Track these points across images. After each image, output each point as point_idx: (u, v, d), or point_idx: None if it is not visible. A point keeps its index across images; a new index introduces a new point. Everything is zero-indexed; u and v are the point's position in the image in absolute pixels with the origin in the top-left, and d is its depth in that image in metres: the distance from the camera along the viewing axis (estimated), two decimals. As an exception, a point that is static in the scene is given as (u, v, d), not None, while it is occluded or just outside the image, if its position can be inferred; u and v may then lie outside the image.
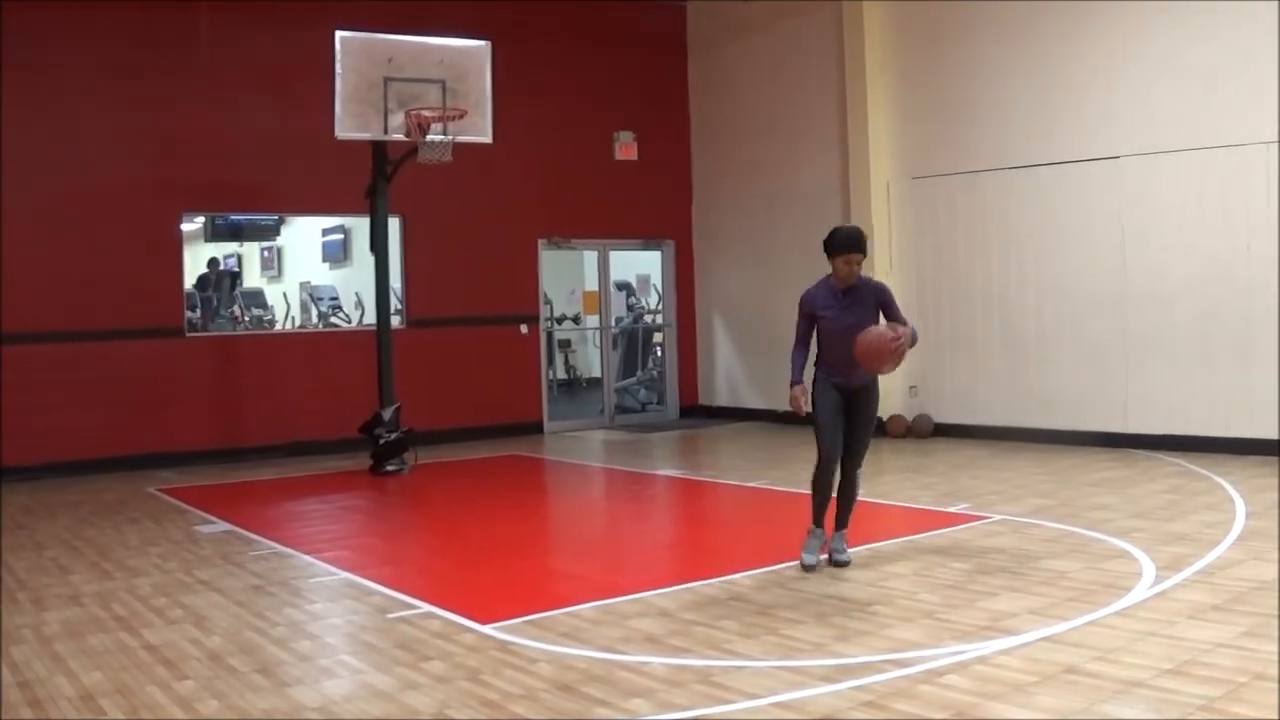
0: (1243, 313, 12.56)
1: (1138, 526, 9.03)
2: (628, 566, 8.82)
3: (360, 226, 16.58)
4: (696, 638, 6.43)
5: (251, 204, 16.38)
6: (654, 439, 16.73)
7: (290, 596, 7.74)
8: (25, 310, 14.01)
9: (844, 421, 7.92)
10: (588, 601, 7.24)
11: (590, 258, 20.15)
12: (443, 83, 13.16)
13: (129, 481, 13.56)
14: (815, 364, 8.00)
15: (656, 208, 18.90)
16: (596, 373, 21.04)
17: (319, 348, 16.24)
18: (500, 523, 10.47)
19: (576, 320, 23.15)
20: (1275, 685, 5.28)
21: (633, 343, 20.04)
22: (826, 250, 7.82)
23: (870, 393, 8.01)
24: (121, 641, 6.72)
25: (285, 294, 20.08)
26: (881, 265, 15.82)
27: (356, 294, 19.26)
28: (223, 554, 9.20)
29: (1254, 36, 12.41)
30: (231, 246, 22.65)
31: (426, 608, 7.24)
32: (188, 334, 15.22)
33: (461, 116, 13.21)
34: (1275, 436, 12.31)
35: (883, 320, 7.84)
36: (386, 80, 12.92)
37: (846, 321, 7.77)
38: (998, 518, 9.65)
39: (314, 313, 18.94)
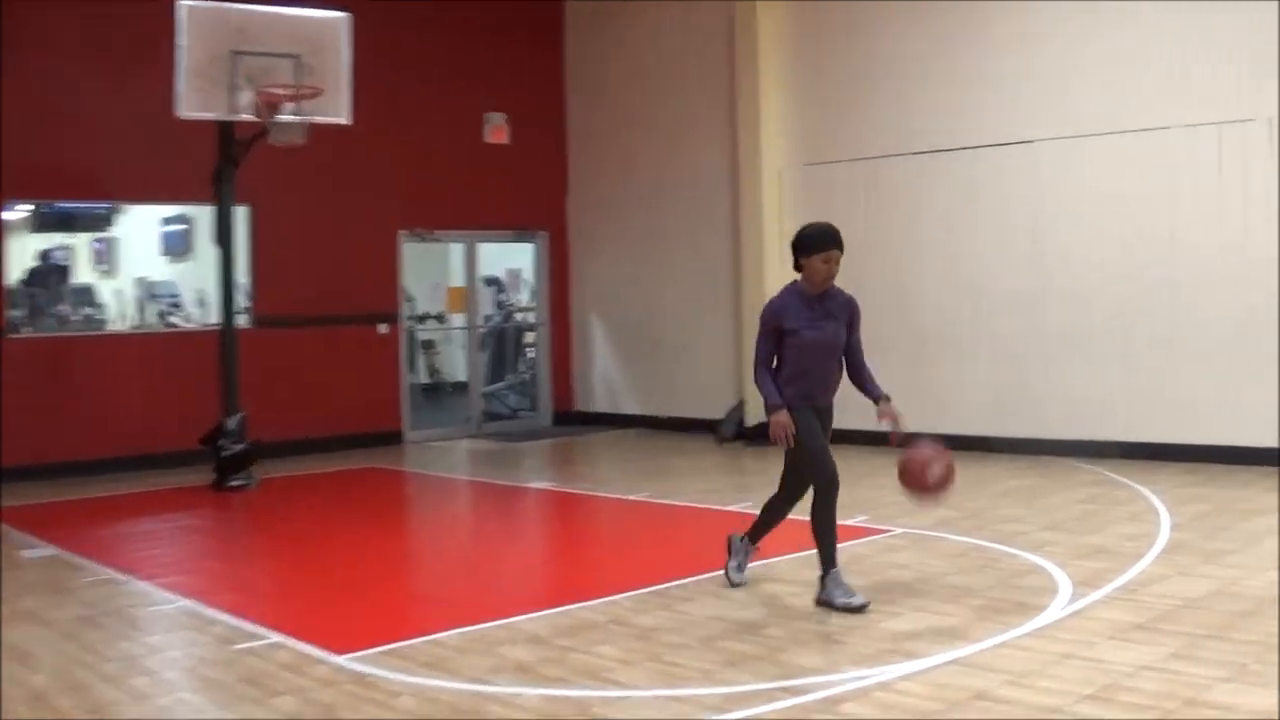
0: (1166, 308, 12.74)
1: (1052, 539, 9.08)
2: (497, 589, 8.69)
3: (204, 216, 16.24)
4: (573, 666, 6.34)
5: (83, 191, 15.97)
6: (525, 448, 16.63)
7: (124, 628, 7.53)
8: None
9: None
10: (453, 628, 7.13)
11: (456, 251, 19.94)
12: (297, 57, 12.91)
13: (-62, 499, 13.13)
14: (784, 381, 7.53)
15: (529, 197, 18.78)
16: (463, 376, 20.81)
17: (157, 350, 15.89)
18: (357, 543, 10.33)
19: (441, 319, 22.92)
20: (1206, 712, 5.28)
21: (502, 344, 19.87)
22: (798, 251, 7.46)
23: (831, 410, 7.77)
24: (-78, 680, 6.44)
25: (120, 290, 19.63)
26: (772, 260, 15.84)
27: (199, 291, 18.90)
28: (49, 581, 8.92)
29: (1175, 19, 12.61)
30: (62, 238, 22.10)
31: (275, 637, 7.10)
32: (10, 334, 14.79)
33: (317, 95, 13.00)
34: (1202, 442, 12.50)
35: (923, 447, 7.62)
36: (235, 54, 12.64)
37: (823, 335, 7.48)
38: (899, 531, 9.66)
39: (151, 311, 18.53)
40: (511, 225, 18.79)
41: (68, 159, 15.04)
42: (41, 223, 20.55)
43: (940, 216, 14.53)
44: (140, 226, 20.83)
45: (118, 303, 19.06)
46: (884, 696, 5.64)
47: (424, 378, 23.32)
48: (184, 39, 12.49)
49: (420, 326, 22.04)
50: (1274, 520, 9.46)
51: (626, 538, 10.58)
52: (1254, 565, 8.03)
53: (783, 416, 7.33)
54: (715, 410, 16.66)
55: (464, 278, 19.15)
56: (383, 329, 17.34)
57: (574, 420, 19.06)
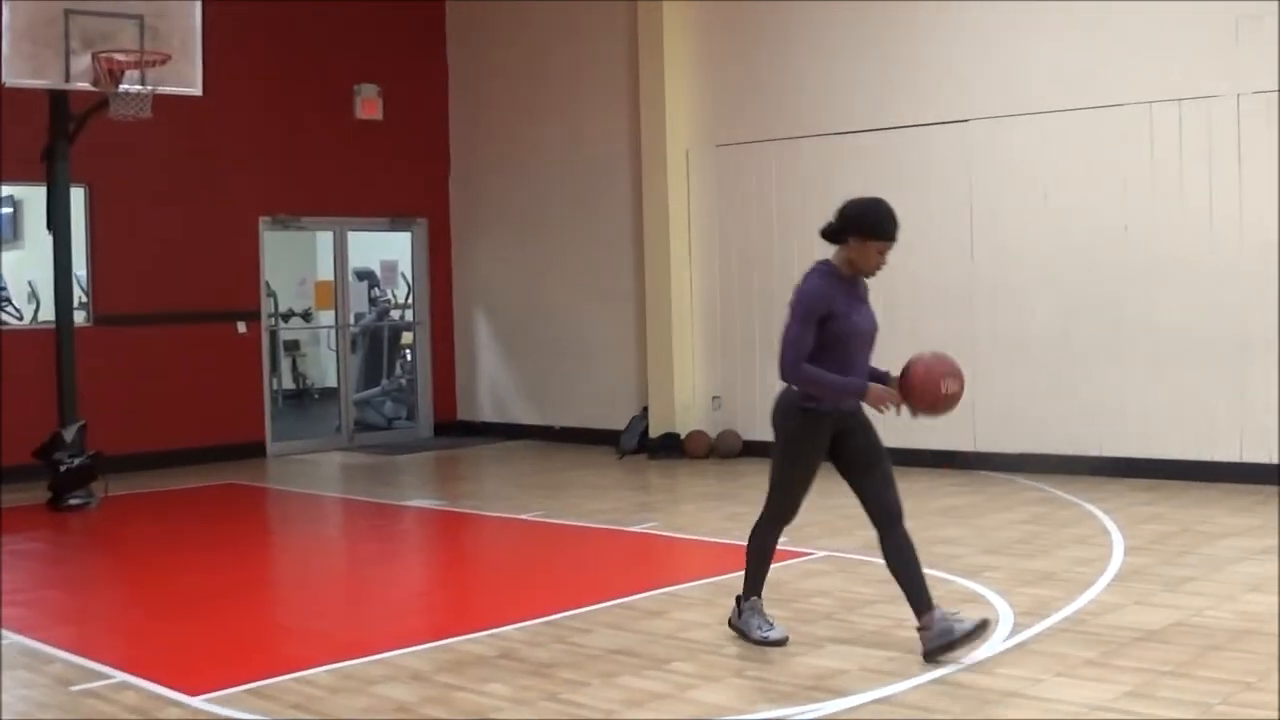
0: (1117, 307, 12.89)
1: (991, 564, 9.15)
2: (372, 620, 8.62)
3: (34, 198, 15.99)
4: (458, 706, 6.31)
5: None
6: (403, 462, 16.55)
7: (-59, 667, 7.39)
8: None
9: (851, 464, 7.32)
10: (324, 664, 7.07)
11: (325, 240, 19.81)
12: (140, 19, 12.74)
13: None
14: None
15: (406, 179, 18.66)
16: (332, 382, 20.69)
17: (-20, 350, 15.61)
18: (213, 569, 10.23)
19: (307, 317, 22.78)
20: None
21: (376, 345, 19.74)
22: (853, 229, 7.12)
23: (861, 413, 7.37)
24: None
25: (-63, 283, 19.30)
26: (679, 250, 15.85)
27: (30, 283, 18.63)
28: None
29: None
30: None
31: (121, 676, 7.00)
32: None
33: (164, 62, 12.83)
34: (1158, 456, 12.66)
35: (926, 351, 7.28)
36: (68, 13, 12.45)
37: (868, 324, 7.26)
38: (821, 554, 9.69)
39: (-27, 306, 18.25)
40: (386, 211, 18.67)
41: (-121, 133, 14.75)
42: None
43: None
44: (-40, 210, 20.52)
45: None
46: (807, 740, 5.65)
47: (288, 383, 23.17)
48: (9, -6, 12.31)
49: (284, 325, 21.88)
50: (1241, 543, 9.56)
51: (517, 562, 10.53)
52: (1220, 593, 8.13)
53: (877, 388, 7.10)
54: (616, 420, 16.65)
55: (333, 270, 18.98)
56: (241, 328, 17.15)
57: (457, 431, 18.97)
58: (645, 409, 16.29)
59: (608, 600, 8.29)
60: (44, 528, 12.33)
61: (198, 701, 6.49)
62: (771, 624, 7.28)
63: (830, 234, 7.22)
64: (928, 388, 7.11)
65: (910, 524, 10.62)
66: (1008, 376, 13.56)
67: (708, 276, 15.85)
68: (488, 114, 18.59)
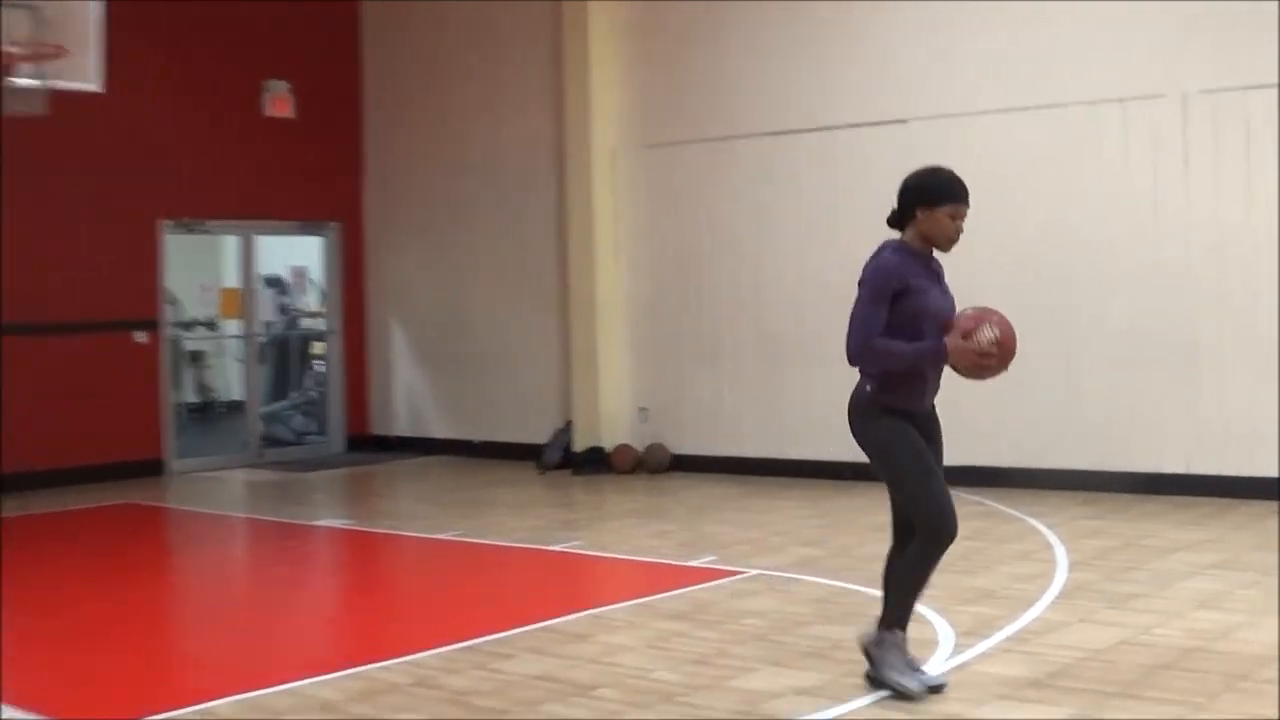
0: (1059, 312, 12.98)
1: (931, 581, 9.11)
2: (280, 647, 8.59)
3: (-82, 200, 15.78)
4: (371, 739, 6.24)
5: None
6: (314, 479, 16.47)
7: None
8: None
9: None
10: (227, 695, 7.00)
11: (230, 244, 19.68)
12: (33, 9, 12.61)
13: None
14: (878, 380, 6.72)
15: (318, 181, 18.55)
16: (238, 394, 20.54)
17: None
18: (108, 595, 10.14)
19: (212, 326, 22.60)
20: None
21: (286, 355, 19.63)
22: (918, 200, 6.73)
23: (935, 415, 7.06)
24: None
25: None
26: (605, 255, 15.83)
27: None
28: None
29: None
30: None
31: (10, 713, 6.92)
32: None
33: (59, 55, 12.69)
34: (1102, 468, 12.74)
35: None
36: (-48, 3, 12.32)
37: (946, 304, 6.74)
38: (754, 573, 9.69)
39: None
40: (297, 214, 18.55)
41: None
42: None
43: (798, 206, 14.63)
44: None
45: None
46: (739, 768, 5.65)
47: (192, 396, 22.97)
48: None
49: (187, 335, 21.69)
50: (1190, 558, 9.66)
51: (434, 585, 10.50)
52: (1168, 610, 8.18)
53: (957, 346, 6.55)
54: (538, 433, 16.60)
55: (239, 277, 18.87)
56: (140, 337, 17.00)
57: (371, 446, 18.88)
58: (569, 422, 16.26)
59: (529, 624, 8.26)
60: (-71, 551, 12.19)
61: (92, 735, 6.43)
62: (920, 666, 6.70)
63: (897, 217, 6.88)
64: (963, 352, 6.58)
65: (845, 540, 10.76)
66: (950, 386, 13.56)
67: (636, 282, 15.84)
68: (406, 112, 18.51)
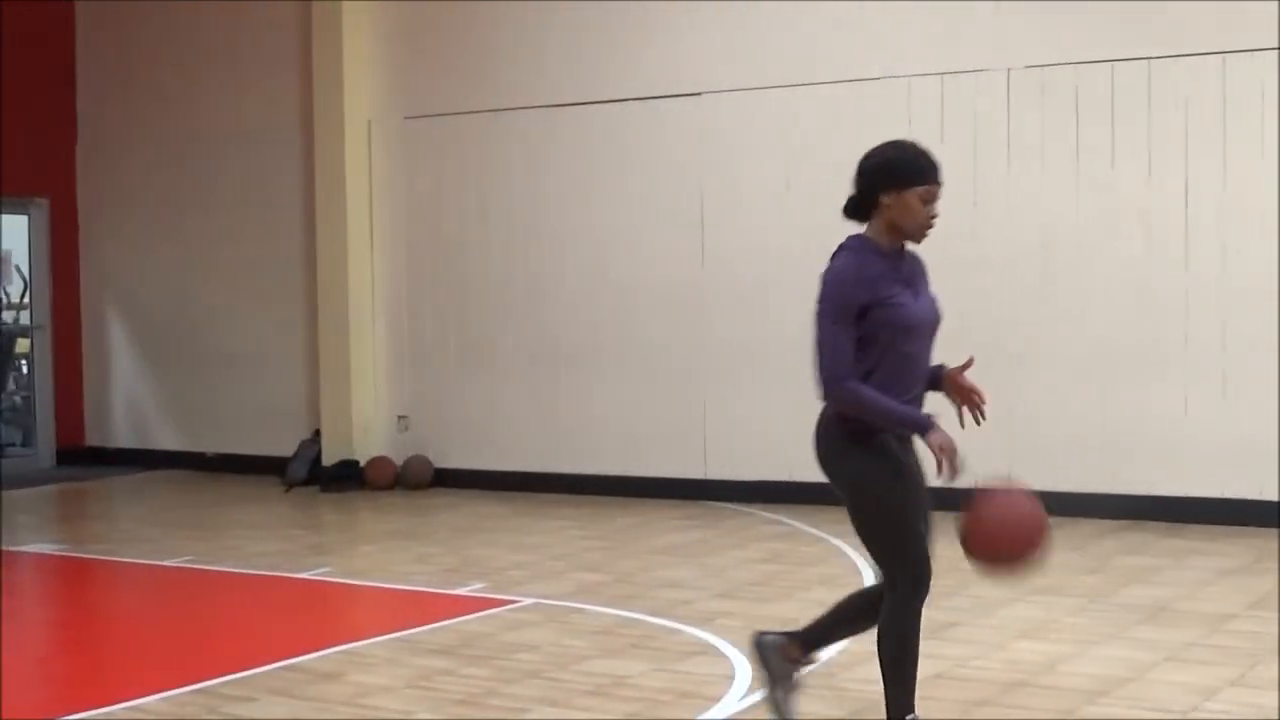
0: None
1: (726, 610, 9.30)
2: (-21, 691, 8.41)
3: None
4: (88, 795, 6.19)
5: None
6: (17, 498, 16.10)
7: None
8: None
9: None
10: (-85, 747, 6.88)
11: (-80, 225, 19.28)
12: None
13: None
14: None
15: (20, 150, 18.18)
16: (-71, 399, 20.14)
17: None
18: None
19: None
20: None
21: (-15, 354, 19.26)
22: (882, 182, 6.24)
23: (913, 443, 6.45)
24: None
25: None
26: (359, 241, 15.74)
27: None
28: None
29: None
30: None
31: None
32: None
33: None
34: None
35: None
36: None
37: (925, 311, 6.36)
38: (528, 602, 9.73)
39: None
40: (-2, 190, 18.26)
41: None
42: None
43: (580, 188, 14.70)
44: None
45: None
46: (511, 821, 5.69)
47: None
48: None
49: None
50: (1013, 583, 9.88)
51: (161, 618, 10.36)
52: (989, 640, 8.38)
53: (939, 438, 6.03)
54: (283, 445, 16.48)
55: (-70, 262, 18.51)
56: None
57: (86, 459, 18.59)
58: (317, 432, 16.17)
59: (272, 662, 8.21)
60: None
61: None
62: None
63: (855, 205, 6.34)
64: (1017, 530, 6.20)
65: (629, 565, 10.84)
66: (744, 392, 13.78)
67: (394, 273, 15.78)
68: (126, 72, 18.20)
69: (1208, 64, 11.84)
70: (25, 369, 19.19)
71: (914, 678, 6.26)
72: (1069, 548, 11.04)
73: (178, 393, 18.01)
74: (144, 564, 11.95)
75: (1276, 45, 11.56)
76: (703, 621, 8.93)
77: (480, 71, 15.32)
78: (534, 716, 7.08)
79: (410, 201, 15.82)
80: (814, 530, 12.03)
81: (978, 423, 6.42)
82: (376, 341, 15.98)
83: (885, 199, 6.17)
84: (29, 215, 18.66)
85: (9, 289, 20.31)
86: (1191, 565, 10.29)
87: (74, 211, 18.75)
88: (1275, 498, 11.67)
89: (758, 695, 7.27)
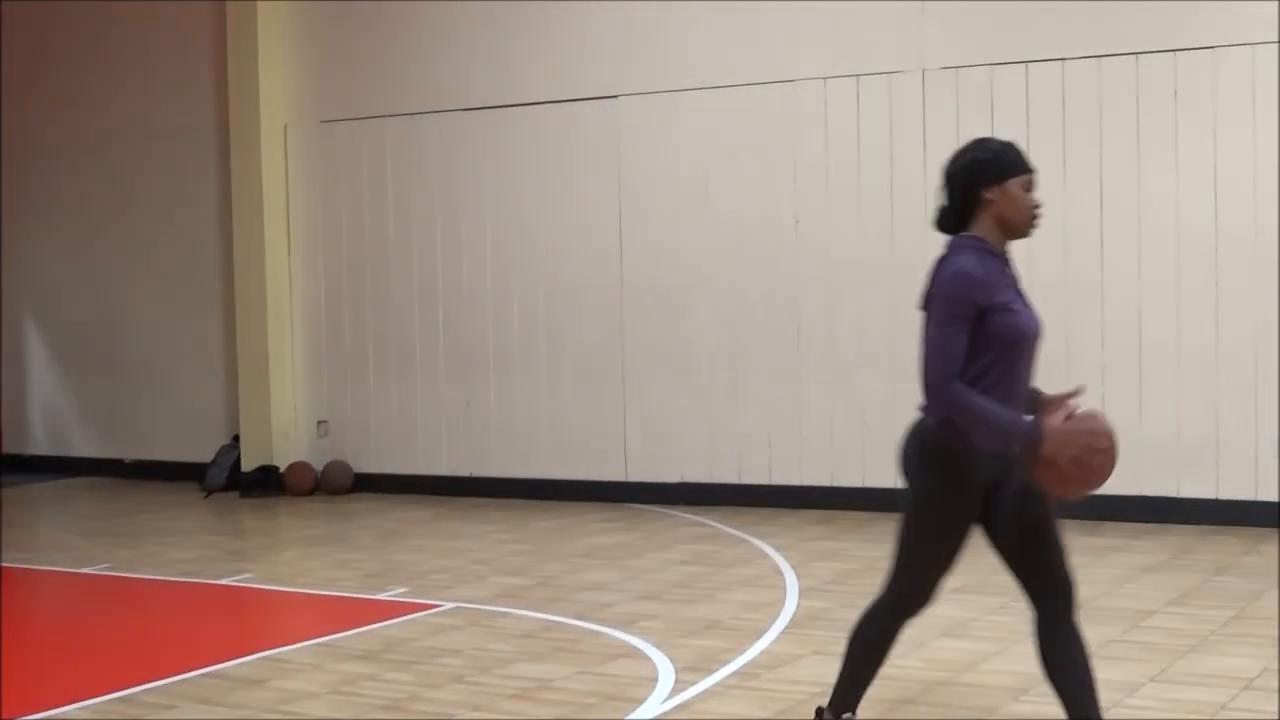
0: (789, 314, 13.22)
1: (648, 612, 9.30)
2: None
3: None
4: (8, 806, 6.12)
5: None
6: (-67, 507, 15.97)
7: None
8: None
9: (1010, 526, 5.90)
10: None
11: None
12: None
13: None
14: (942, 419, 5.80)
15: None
16: None
17: None
18: None
19: None
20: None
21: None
22: (986, 176, 5.81)
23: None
24: None
25: None
26: (277, 247, 15.64)
27: None
28: None
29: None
30: None
31: None
32: None
33: None
34: (835, 484, 13.03)
35: None
36: None
37: (1034, 326, 5.80)
38: (450, 606, 9.70)
39: None
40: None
41: None
42: None
43: (498, 191, 14.65)
44: None
45: None
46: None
47: None
48: None
49: None
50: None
51: (80, 626, 10.27)
52: (910, 639, 8.31)
53: (1057, 430, 5.51)
54: (201, 451, 16.36)
55: None
56: None
57: (3, 467, 18.38)
58: (236, 437, 16.06)
59: (194, 669, 8.16)
60: None
61: None
62: None
63: (950, 213, 5.96)
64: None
65: (550, 569, 10.82)
66: (664, 395, 13.77)
67: (312, 277, 15.70)
68: (40, 75, 18.01)
69: (1123, 64, 11.91)
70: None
71: (869, 683, 6.17)
72: (981, 547, 11.09)
73: (95, 399, 17.86)
74: (63, 572, 11.86)
75: (1187, 46, 11.66)
76: (626, 624, 8.92)
77: (397, 75, 15.26)
78: (460, 717, 7.06)
79: (328, 205, 15.73)
80: (736, 532, 12.05)
81: None
82: (295, 346, 15.90)
83: (988, 194, 5.77)
84: (-59, 221, 18.50)
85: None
86: (1111, 563, 10.34)
87: (-13, 216, 18.61)
88: (1191, 495, 11.80)
89: (680, 697, 7.28)
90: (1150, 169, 11.89)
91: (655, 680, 7.61)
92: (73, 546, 12.98)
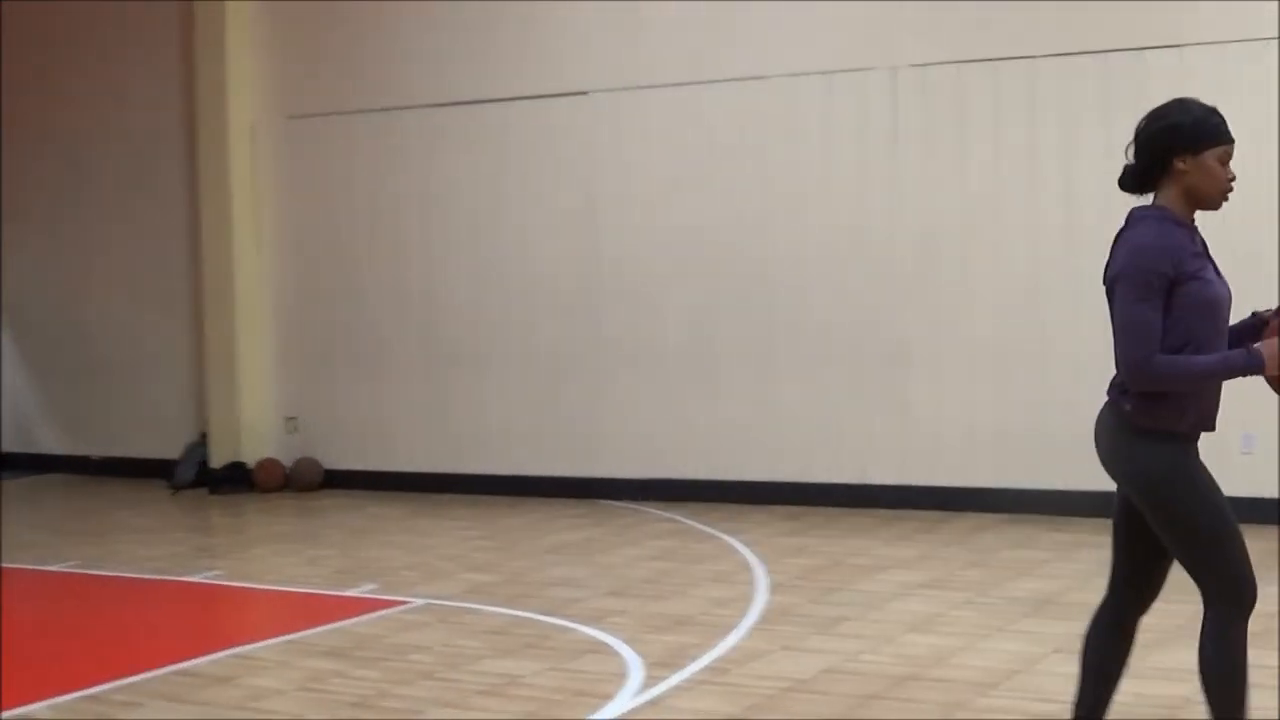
0: (759, 311, 13.23)
1: (617, 608, 9.29)
2: None
3: None
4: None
5: None
6: (-100, 504, 15.91)
7: None
8: None
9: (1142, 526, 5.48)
10: None
11: None
12: None
13: None
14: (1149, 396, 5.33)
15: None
16: None
17: None
18: None
19: None
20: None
21: None
22: (1180, 143, 5.44)
23: None
24: None
25: None
26: (245, 243, 15.58)
27: None
28: None
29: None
30: None
31: None
32: None
33: None
34: (805, 479, 13.02)
35: None
36: None
37: (1227, 291, 5.47)
38: (419, 602, 9.68)
39: None
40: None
41: None
42: None
43: (469, 187, 14.63)
44: None
45: None
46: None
47: None
48: None
49: None
50: (900, 577, 9.93)
51: (47, 624, 10.17)
52: (877, 634, 8.41)
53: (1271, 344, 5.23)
54: (169, 448, 16.32)
55: None
56: None
57: (-31, 464, 18.37)
58: (204, 434, 16.02)
59: (162, 666, 8.14)
60: None
61: None
62: None
63: (1137, 175, 5.63)
64: None
65: (520, 565, 10.82)
66: (634, 391, 13.76)
67: (280, 274, 15.65)
68: (6, 71, 17.91)
69: (1089, 64, 11.94)
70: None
71: (1245, 702, 5.35)
72: (954, 542, 11.14)
73: (62, 395, 17.80)
74: (30, 569, 11.77)
75: (1155, 45, 11.69)
76: (595, 620, 8.91)
77: (366, 70, 15.22)
78: (428, 717, 7.06)
79: (297, 201, 15.69)
80: (705, 527, 12.06)
81: None
82: (264, 342, 15.85)
83: (1180, 164, 5.41)
84: (-91, 218, 18.42)
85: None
86: (1077, 558, 10.33)
87: (-45, 214, 18.53)
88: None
89: (650, 693, 7.28)
90: (1119, 167, 11.88)
91: (625, 676, 7.60)
92: (40, 544, 12.91)
